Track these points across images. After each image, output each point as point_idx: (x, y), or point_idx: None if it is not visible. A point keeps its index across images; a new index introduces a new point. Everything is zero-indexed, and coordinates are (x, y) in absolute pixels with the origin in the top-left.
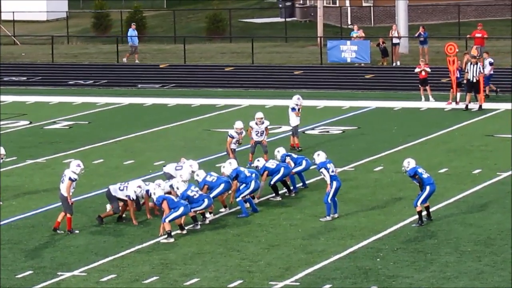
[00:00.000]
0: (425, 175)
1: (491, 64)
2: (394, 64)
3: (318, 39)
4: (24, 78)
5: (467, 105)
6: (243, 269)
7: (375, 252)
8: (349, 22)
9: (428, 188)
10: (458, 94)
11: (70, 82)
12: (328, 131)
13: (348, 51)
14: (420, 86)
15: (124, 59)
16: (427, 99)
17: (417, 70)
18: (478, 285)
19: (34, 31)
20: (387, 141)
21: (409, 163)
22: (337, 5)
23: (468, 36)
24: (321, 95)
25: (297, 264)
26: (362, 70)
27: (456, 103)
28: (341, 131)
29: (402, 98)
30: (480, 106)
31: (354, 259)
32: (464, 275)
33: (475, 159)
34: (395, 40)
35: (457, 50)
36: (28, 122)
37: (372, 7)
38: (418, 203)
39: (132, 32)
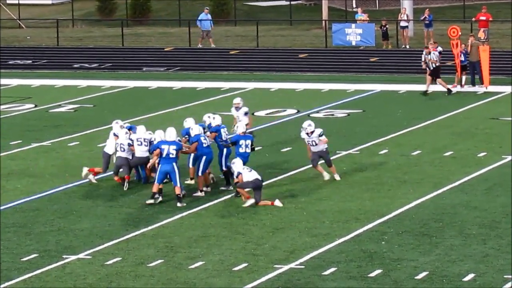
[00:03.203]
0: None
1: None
2: (403, 47)
3: (323, 22)
4: (29, 62)
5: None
6: (247, 252)
7: (380, 236)
8: (354, 5)
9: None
10: (463, 77)
11: (75, 66)
12: (333, 115)
13: (353, 34)
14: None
15: (199, 45)
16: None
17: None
18: (483, 268)
19: (39, 14)
20: (391, 124)
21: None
22: None
23: (473, 19)
24: (326, 78)
25: (302, 247)
26: (366, 53)
27: (461, 86)
28: (346, 115)
29: (407, 81)
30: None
31: (359, 242)
32: (469, 258)
33: (480, 142)
34: (403, 23)
35: (460, 33)
36: (33, 106)
37: None
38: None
39: (203, 16)
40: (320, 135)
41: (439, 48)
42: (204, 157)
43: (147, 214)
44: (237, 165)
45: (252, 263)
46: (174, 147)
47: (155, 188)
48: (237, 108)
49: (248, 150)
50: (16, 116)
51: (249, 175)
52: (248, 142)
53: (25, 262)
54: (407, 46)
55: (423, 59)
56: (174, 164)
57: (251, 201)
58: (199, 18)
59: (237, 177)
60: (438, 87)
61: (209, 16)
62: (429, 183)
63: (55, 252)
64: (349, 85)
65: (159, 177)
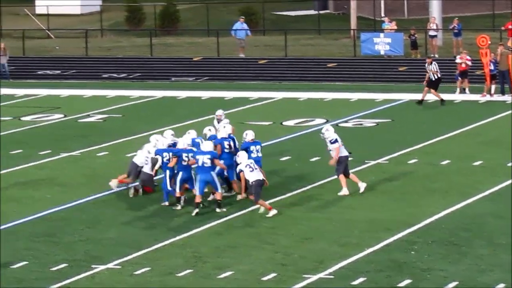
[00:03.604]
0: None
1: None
2: (432, 56)
3: (352, 31)
4: (58, 72)
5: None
6: (276, 262)
7: (409, 245)
8: (383, 15)
9: None
10: (493, 86)
11: (104, 75)
12: (361, 124)
13: (382, 44)
14: (459, 77)
15: (241, 54)
16: (462, 92)
17: (458, 60)
18: None
19: (68, 24)
20: (420, 133)
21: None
22: None
23: (502, 28)
24: (355, 87)
25: (331, 257)
26: (395, 62)
27: (491, 95)
28: (374, 124)
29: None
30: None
31: (388, 252)
32: (498, 267)
33: (509, 151)
34: (432, 33)
35: (489, 42)
36: (62, 115)
37: (405, 0)
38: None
39: (238, 25)
40: (332, 142)
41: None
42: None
43: (175, 224)
44: (241, 158)
45: (281, 273)
46: (209, 156)
47: (198, 199)
48: (219, 120)
49: (260, 155)
50: (45, 126)
51: (250, 175)
52: (258, 147)
53: (54, 271)
54: (436, 55)
55: (428, 70)
56: (212, 172)
57: (274, 211)
58: (233, 28)
59: (238, 173)
60: (469, 96)
61: (245, 26)
62: (457, 193)
63: (83, 261)
64: (378, 94)
65: (200, 187)
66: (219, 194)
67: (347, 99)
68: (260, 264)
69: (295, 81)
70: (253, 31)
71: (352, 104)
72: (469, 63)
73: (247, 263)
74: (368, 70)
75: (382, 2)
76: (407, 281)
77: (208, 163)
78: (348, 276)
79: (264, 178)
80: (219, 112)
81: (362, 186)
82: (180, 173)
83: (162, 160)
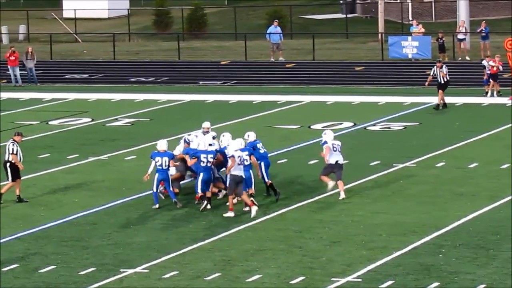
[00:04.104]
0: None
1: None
2: (460, 59)
3: (379, 35)
4: (86, 76)
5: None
6: (304, 265)
7: (437, 248)
8: (410, 18)
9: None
10: None
11: (132, 79)
12: (389, 127)
13: (409, 47)
14: (489, 80)
15: (271, 58)
16: (492, 95)
17: (491, 63)
18: None
19: (95, 28)
20: (448, 137)
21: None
22: (398, 1)
23: None
24: (382, 91)
25: (359, 260)
26: (423, 65)
27: None
28: (402, 127)
29: (463, 93)
30: None
31: (416, 255)
32: None
33: None
34: (461, 36)
35: None
36: (90, 119)
37: (433, 3)
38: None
39: (272, 29)
40: (322, 144)
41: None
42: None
43: (203, 228)
44: (233, 146)
45: (309, 277)
46: (246, 152)
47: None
48: (205, 133)
49: (265, 150)
50: (73, 130)
51: (233, 168)
52: (260, 144)
53: (83, 276)
54: (467, 58)
55: (432, 73)
56: (250, 170)
57: (231, 214)
58: (268, 31)
59: (229, 157)
60: (496, 100)
61: (279, 29)
62: (485, 196)
63: (112, 266)
64: (406, 98)
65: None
66: (252, 189)
67: (374, 103)
68: (288, 268)
69: (323, 85)
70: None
71: (380, 107)
72: (500, 67)
73: (275, 266)
74: (395, 74)
75: (410, 6)
76: (435, 284)
77: (247, 160)
78: (376, 279)
79: (242, 176)
80: (207, 124)
81: (342, 196)
82: (201, 174)
83: (155, 164)
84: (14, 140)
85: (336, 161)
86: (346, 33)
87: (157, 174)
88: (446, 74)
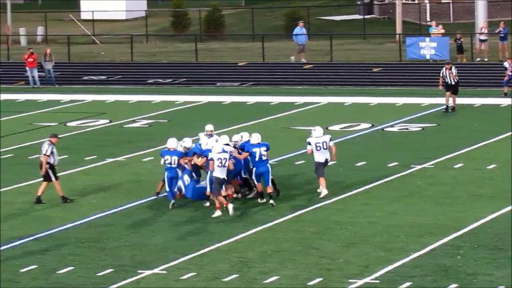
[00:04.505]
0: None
1: None
2: (478, 60)
3: (397, 36)
4: (104, 77)
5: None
6: (322, 267)
7: (455, 250)
8: (428, 19)
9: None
10: None
11: (149, 81)
12: (407, 128)
13: (427, 48)
14: (509, 82)
15: (292, 58)
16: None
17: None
18: None
19: (113, 30)
20: (466, 138)
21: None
22: (416, 1)
23: None
24: (400, 92)
25: (376, 261)
26: (441, 66)
27: None
28: (420, 128)
29: (481, 94)
30: None
31: (434, 257)
32: None
33: None
34: (483, 37)
35: None
36: (107, 121)
37: (451, 4)
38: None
39: (298, 30)
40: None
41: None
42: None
43: (221, 229)
44: (215, 149)
45: (326, 278)
46: (264, 148)
47: (259, 187)
48: (209, 136)
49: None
50: (91, 131)
51: (216, 170)
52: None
53: (100, 277)
54: (486, 59)
55: (441, 75)
56: (268, 165)
57: (219, 213)
58: (294, 33)
59: (209, 160)
60: None
61: (304, 30)
62: (503, 197)
63: (129, 267)
64: (424, 99)
65: (257, 178)
66: (270, 187)
67: (392, 104)
68: (306, 269)
69: (341, 86)
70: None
71: (398, 108)
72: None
73: (292, 268)
74: (413, 75)
75: (428, 6)
76: (453, 286)
77: (265, 155)
78: (394, 280)
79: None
80: (210, 127)
81: (323, 192)
82: (209, 173)
83: (164, 162)
84: (51, 142)
85: (326, 159)
86: (364, 34)
87: (166, 172)
88: (456, 76)
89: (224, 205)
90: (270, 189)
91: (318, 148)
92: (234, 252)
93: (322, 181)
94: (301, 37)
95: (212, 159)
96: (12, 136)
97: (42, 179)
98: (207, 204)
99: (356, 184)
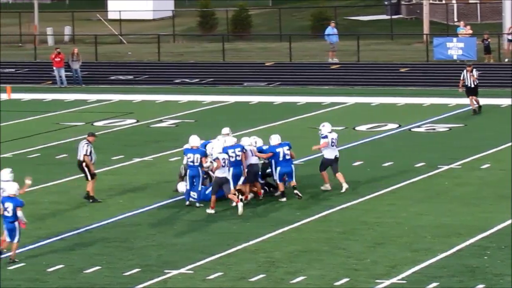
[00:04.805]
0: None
1: None
2: (506, 60)
3: (424, 36)
4: (131, 77)
5: None
6: (348, 267)
7: (482, 250)
8: (455, 19)
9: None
10: None
11: (176, 81)
12: (434, 129)
13: (455, 48)
14: None
15: (330, 59)
16: None
17: None
18: None
19: (140, 30)
20: (493, 138)
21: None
22: (443, 2)
23: None
24: (427, 92)
25: (403, 262)
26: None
27: None
28: (447, 129)
29: (509, 95)
30: None
31: (460, 257)
32: None
33: None
34: (510, 37)
35: None
36: (134, 121)
37: (478, 4)
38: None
39: (330, 30)
40: (322, 137)
41: None
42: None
43: (247, 229)
44: (217, 148)
45: (353, 278)
46: (287, 147)
47: (281, 187)
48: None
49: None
50: (118, 131)
51: (218, 170)
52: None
53: (127, 276)
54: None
55: (462, 78)
56: (292, 165)
57: (212, 211)
58: (326, 33)
59: (214, 160)
60: None
61: (335, 30)
62: None
63: (156, 267)
64: (451, 99)
65: (280, 178)
66: (293, 182)
67: (419, 104)
68: (333, 269)
69: (368, 86)
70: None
71: (425, 109)
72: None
73: (319, 268)
74: (440, 75)
75: (455, 6)
76: (479, 287)
77: (289, 154)
78: (420, 281)
79: (228, 178)
80: (226, 130)
81: (344, 187)
82: (231, 169)
83: (187, 161)
84: (88, 141)
85: (335, 156)
86: (391, 34)
87: (188, 171)
88: (476, 78)
89: (235, 202)
90: (294, 183)
91: (332, 144)
92: (261, 252)
93: (340, 176)
94: (332, 37)
95: (217, 158)
96: (39, 136)
97: (87, 177)
98: (234, 204)
99: (383, 184)
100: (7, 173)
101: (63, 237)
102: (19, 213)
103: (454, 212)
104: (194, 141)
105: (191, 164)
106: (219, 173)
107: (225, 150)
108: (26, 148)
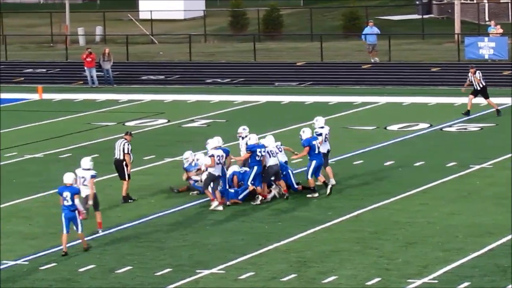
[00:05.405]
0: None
1: None
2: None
3: (455, 35)
4: (162, 77)
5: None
6: (380, 267)
7: None
8: (487, 19)
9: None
10: None
11: (208, 81)
12: (466, 128)
13: (486, 48)
14: None
15: (376, 59)
16: None
17: None
18: None
19: (171, 29)
20: None
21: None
22: (475, 1)
23: None
24: (459, 92)
25: (435, 262)
26: (499, 66)
27: None
28: (479, 128)
29: None
30: None
31: (492, 257)
32: None
33: None
34: None
35: None
36: (166, 121)
37: (510, 3)
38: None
39: (368, 29)
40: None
41: None
42: (314, 162)
43: (279, 229)
44: (211, 145)
45: (385, 278)
46: (317, 140)
47: (312, 182)
48: (242, 137)
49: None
50: (149, 131)
51: (214, 167)
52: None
53: (159, 276)
54: None
55: (468, 80)
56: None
57: (216, 203)
58: (363, 32)
59: (210, 157)
60: None
61: (375, 29)
62: None
63: (187, 266)
64: (482, 99)
65: (314, 171)
66: (321, 177)
67: (451, 104)
68: (364, 269)
69: (399, 86)
70: (356, 35)
71: (456, 108)
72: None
73: (351, 268)
74: None
75: (486, 6)
76: (511, 286)
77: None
78: (452, 280)
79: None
80: (244, 130)
81: (331, 182)
82: (255, 168)
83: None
84: (126, 140)
85: (328, 150)
86: (422, 34)
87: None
88: (480, 80)
89: (211, 200)
90: (322, 179)
91: (326, 139)
92: (292, 252)
93: (329, 170)
94: (370, 37)
95: (212, 155)
96: (71, 136)
97: (124, 177)
98: (258, 202)
99: (414, 184)
100: (87, 161)
101: (94, 237)
102: (76, 201)
103: (486, 212)
104: (218, 141)
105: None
106: (213, 170)
107: (254, 147)
108: (57, 148)
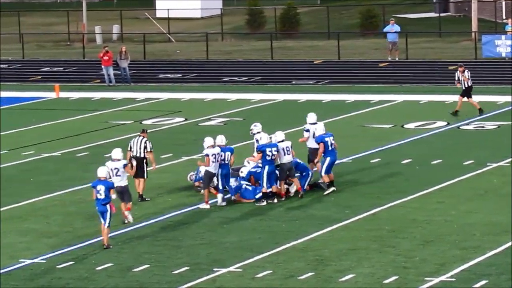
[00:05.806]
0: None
1: None
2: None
3: (473, 34)
4: (179, 75)
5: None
6: (398, 265)
7: None
8: (504, 17)
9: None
10: None
11: (225, 79)
12: (483, 126)
13: (503, 46)
14: None
15: (389, 57)
16: None
17: None
18: None
19: (188, 28)
20: None
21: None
22: None
23: None
24: (476, 90)
25: (452, 260)
26: None
27: None
28: (496, 126)
29: None
30: None
31: (510, 255)
32: None
33: None
34: None
35: None
36: (183, 119)
37: None
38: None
39: (389, 27)
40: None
41: None
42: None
43: (296, 227)
44: (207, 143)
45: (402, 276)
46: (332, 137)
47: (326, 178)
48: (254, 134)
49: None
50: (166, 129)
51: (210, 165)
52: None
53: (176, 275)
54: None
55: (456, 78)
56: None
57: (207, 206)
58: (384, 30)
59: (206, 155)
60: None
61: (396, 27)
62: None
63: (205, 265)
64: (500, 97)
65: (328, 168)
66: (332, 175)
67: (468, 102)
68: (382, 267)
69: (416, 84)
70: (374, 34)
71: (474, 106)
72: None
73: (368, 266)
74: (489, 73)
75: (503, 4)
76: None
77: (334, 144)
78: (469, 279)
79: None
80: (256, 126)
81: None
82: (266, 167)
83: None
84: (145, 138)
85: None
86: (439, 32)
87: (220, 169)
88: (468, 79)
89: (214, 194)
90: (332, 177)
91: (314, 137)
92: (309, 250)
93: (318, 165)
94: (391, 34)
95: (207, 155)
96: (88, 134)
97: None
98: (264, 203)
99: (431, 182)
100: (118, 152)
101: (111, 236)
102: (113, 196)
103: (503, 210)
104: (222, 140)
105: (222, 162)
106: (211, 169)
107: (264, 147)
108: (74, 147)
